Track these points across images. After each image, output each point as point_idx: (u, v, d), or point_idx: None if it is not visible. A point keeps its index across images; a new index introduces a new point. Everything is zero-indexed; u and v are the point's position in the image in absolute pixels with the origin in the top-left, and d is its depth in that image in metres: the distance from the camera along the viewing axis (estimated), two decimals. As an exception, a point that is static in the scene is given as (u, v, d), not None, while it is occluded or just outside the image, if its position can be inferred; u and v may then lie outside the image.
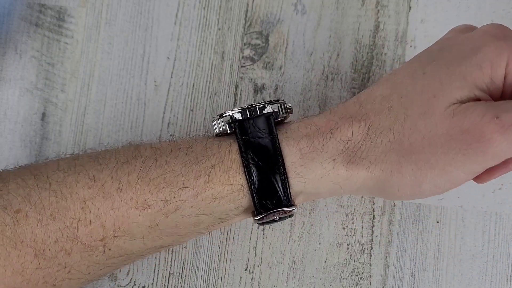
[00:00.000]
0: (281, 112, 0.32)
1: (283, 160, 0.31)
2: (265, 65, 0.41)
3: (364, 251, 0.38)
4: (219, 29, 0.41)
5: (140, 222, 0.30)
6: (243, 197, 0.31)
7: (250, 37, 0.41)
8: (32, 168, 0.31)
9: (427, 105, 0.30)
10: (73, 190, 0.29)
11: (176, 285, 0.38)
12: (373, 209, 0.39)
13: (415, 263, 0.38)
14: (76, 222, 0.29)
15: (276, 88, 0.40)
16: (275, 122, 0.32)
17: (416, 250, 0.38)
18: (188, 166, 0.31)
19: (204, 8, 0.41)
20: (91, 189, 0.30)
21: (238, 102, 0.40)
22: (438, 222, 0.38)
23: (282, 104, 0.33)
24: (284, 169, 0.31)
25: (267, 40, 0.41)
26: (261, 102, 0.32)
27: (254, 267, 0.38)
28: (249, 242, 0.39)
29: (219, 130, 0.32)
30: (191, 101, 0.41)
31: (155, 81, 0.41)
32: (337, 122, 0.31)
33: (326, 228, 0.39)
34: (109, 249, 0.31)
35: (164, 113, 0.40)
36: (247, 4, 0.41)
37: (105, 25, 0.41)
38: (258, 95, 0.40)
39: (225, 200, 0.31)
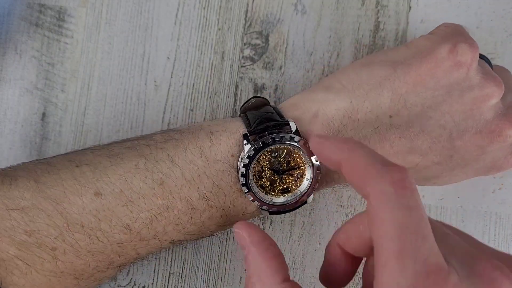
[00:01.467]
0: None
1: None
2: (265, 65, 0.41)
3: (364, 251, 0.38)
4: (219, 29, 0.41)
5: (170, 246, 0.33)
6: None
7: (250, 37, 0.41)
8: (53, 202, 0.30)
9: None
10: (108, 235, 0.30)
11: (176, 285, 0.38)
12: (373, 209, 0.39)
13: (415, 263, 0.38)
14: (113, 255, 0.31)
15: (276, 88, 0.40)
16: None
17: (416, 250, 0.38)
18: (222, 227, 0.33)
19: (204, 8, 0.41)
20: (127, 235, 0.31)
21: (238, 102, 0.40)
22: (438, 222, 0.38)
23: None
24: None
25: (267, 40, 0.41)
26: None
27: (254, 267, 0.38)
28: (249, 242, 0.39)
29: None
30: (191, 101, 0.41)
31: (155, 81, 0.41)
32: None
33: (326, 228, 0.39)
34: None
35: (164, 113, 0.40)
36: (247, 4, 0.41)
37: (105, 25, 0.41)
38: (258, 95, 0.40)
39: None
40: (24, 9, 0.41)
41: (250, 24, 0.41)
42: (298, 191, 0.32)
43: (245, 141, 0.31)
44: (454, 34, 0.34)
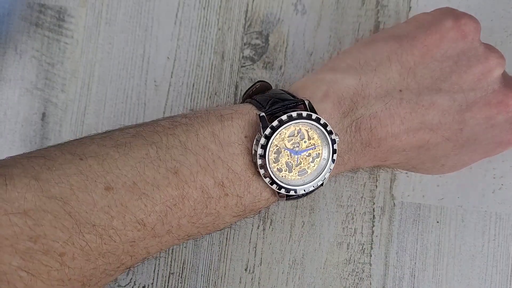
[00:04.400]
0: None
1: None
2: (265, 65, 0.41)
3: (364, 251, 0.38)
4: (219, 29, 0.41)
5: (181, 242, 0.31)
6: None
7: (250, 37, 0.41)
8: (60, 202, 0.26)
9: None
10: (121, 233, 0.28)
11: (176, 285, 0.38)
12: (373, 209, 0.39)
13: (415, 263, 0.38)
14: (124, 256, 0.29)
15: (276, 88, 0.40)
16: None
17: (416, 250, 0.38)
18: (236, 218, 0.31)
19: (204, 8, 0.41)
20: (141, 232, 0.28)
21: (238, 102, 0.40)
22: (438, 222, 0.38)
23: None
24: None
25: (267, 40, 0.41)
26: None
27: (254, 267, 0.38)
28: (249, 242, 0.39)
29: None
30: (191, 101, 0.41)
31: (155, 81, 0.41)
32: (360, 165, 0.34)
33: (326, 228, 0.39)
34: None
35: (164, 113, 0.40)
36: (247, 4, 0.41)
37: (105, 25, 0.41)
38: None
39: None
40: (24, 9, 0.41)
41: (250, 24, 0.41)
42: (316, 172, 0.31)
43: (261, 122, 0.30)
44: (452, 10, 0.34)
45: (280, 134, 0.30)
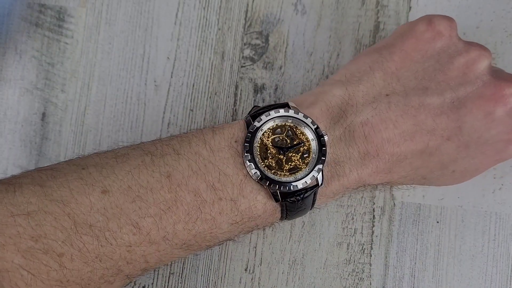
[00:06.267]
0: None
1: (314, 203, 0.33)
2: (265, 65, 0.41)
3: (364, 251, 0.38)
4: (219, 29, 0.41)
5: (181, 254, 0.32)
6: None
7: (250, 37, 0.41)
8: (60, 204, 0.29)
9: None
10: (117, 236, 0.29)
11: (176, 285, 0.38)
12: (373, 209, 0.39)
13: (415, 263, 0.38)
14: (122, 262, 0.30)
15: (276, 88, 0.40)
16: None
17: (416, 250, 0.38)
18: (234, 226, 0.32)
19: (204, 8, 0.41)
20: (136, 236, 0.30)
21: (238, 102, 0.40)
22: (438, 222, 0.38)
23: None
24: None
25: (267, 40, 0.41)
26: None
27: (254, 267, 0.38)
28: (249, 242, 0.39)
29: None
30: (191, 101, 0.41)
31: (155, 81, 0.41)
32: (365, 180, 0.34)
33: (326, 228, 0.39)
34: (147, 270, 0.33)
35: (164, 113, 0.40)
36: (247, 4, 0.41)
37: (105, 25, 0.41)
38: (258, 95, 0.40)
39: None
40: (24, 9, 0.41)
41: (250, 24, 0.41)
42: (307, 169, 0.31)
43: (247, 124, 0.32)
44: (427, 16, 0.35)
45: (265, 131, 0.32)
